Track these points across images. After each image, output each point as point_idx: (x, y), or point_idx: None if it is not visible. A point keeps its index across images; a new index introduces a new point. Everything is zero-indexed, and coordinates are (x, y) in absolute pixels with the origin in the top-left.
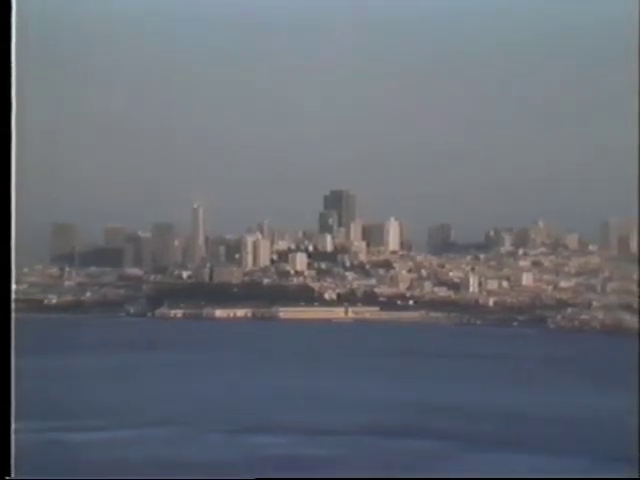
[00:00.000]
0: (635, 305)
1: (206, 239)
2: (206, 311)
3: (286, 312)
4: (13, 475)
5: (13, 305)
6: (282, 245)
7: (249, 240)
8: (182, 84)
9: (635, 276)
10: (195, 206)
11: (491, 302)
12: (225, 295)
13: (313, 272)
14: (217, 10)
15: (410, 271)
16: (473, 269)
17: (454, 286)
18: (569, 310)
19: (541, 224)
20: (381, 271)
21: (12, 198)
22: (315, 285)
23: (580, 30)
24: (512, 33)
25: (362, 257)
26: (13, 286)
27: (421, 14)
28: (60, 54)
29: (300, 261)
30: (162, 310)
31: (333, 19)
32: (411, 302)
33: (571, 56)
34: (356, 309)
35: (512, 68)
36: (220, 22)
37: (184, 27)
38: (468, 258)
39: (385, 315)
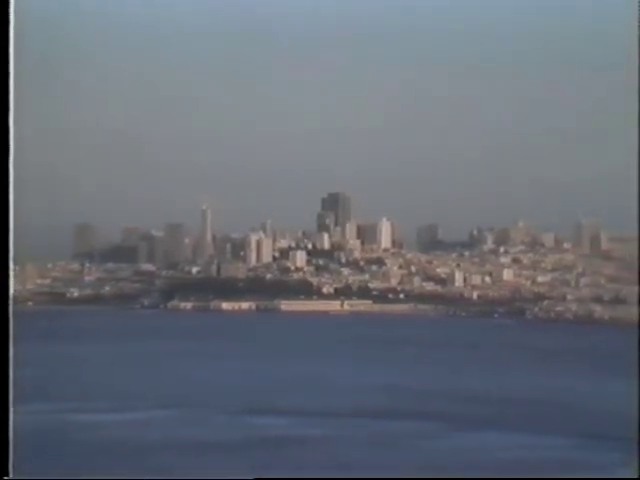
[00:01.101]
0: (605, 298)
1: (214, 238)
2: (214, 304)
3: (287, 305)
4: (11, 475)
5: (39, 298)
6: (283, 243)
7: (253, 239)
8: (180, 91)
9: (605, 271)
10: (204, 208)
11: (475, 295)
12: (231, 289)
13: (312, 268)
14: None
15: (401, 267)
16: (458, 265)
17: (441, 281)
18: (545, 302)
19: (520, 224)
20: (374, 267)
21: (10, 197)
22: (314, 280)
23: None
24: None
25: (357, 254)
26: (38, 280)
27: (424, 15)
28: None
29: (300, 258)
30: (173, 303)
31: (334, 22)
32: (402, 296)
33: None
34: (351, 302)
35: (504, 73)
36: (216, 27)
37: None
38: (454, 255)
39: (378, 308)
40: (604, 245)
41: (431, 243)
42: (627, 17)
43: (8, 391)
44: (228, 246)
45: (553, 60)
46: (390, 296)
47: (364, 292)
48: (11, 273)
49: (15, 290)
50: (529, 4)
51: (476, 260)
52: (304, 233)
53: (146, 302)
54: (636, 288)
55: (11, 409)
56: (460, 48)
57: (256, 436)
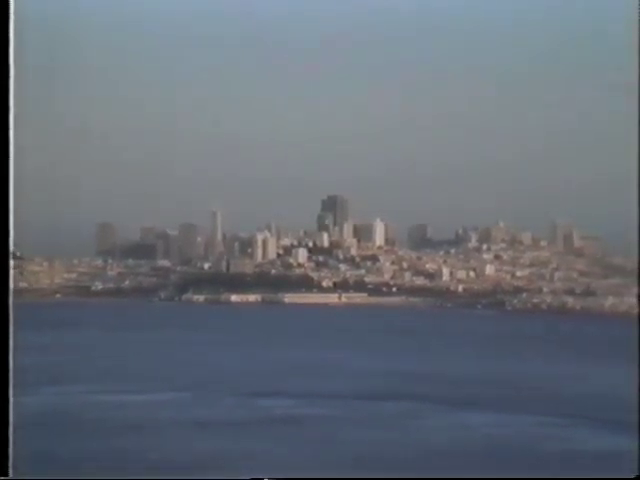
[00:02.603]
0: (577, 290)
1: (223, 236)
2: (224, 296)
3: (290, 297)
4: (11, 475)
5: (66, 290)
6: (286, 242)
7: (259, 237)
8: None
9: (577, 267)
10: (214, 210)
11: (460, 289)
12: (239, 283)
13: (312, 264)
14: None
15: (393, 263)
16: (445, 261)
17: (429, 276)
18: (524, 295)
19: (501, 224)
20: (369, 263)
21: (10, 194)
22: (314, 275)
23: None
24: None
25: (353, 252)
26: (65, 275)
27: (419, 17)
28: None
29: (301, 255)
30: (187, 295)
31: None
32: (394, 289)
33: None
34: (348, 295)
35: (498, 78)
36: (218, 32)
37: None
38: (441, 252)
39: (372, 300)
40: (576, 243)
41: (421, 241)
42: (627, 17)
43: (8, 393)
44: (236, 244)
45: (547, 63)
46: (384, 289)
47: (360, 286)
48: (11, 268)
49: (44, 284)
50: (528, 4)
51: (461, 257)
52: (305, 232)
53: (162, 295)
54: (604, 282)
55: (11, 409)
56: (455, 51)
57: (263, 415)
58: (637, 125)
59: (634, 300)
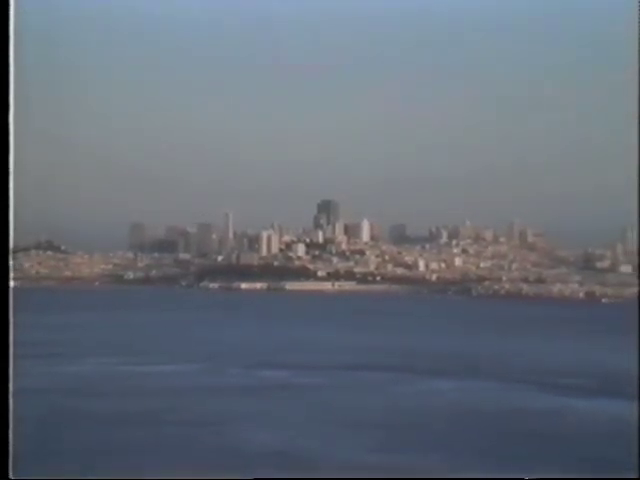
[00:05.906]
0: (530, 278)
1: (234, 234)
2: (234, 284)
3: (290, 285)
4: (11, 475)
5: (103, 279)
6: (287, 238)
7: (264, 234)
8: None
9: (530, 259)
10: (226, 211)
11: (433, 278)
12: (248, 273)
13: (309, 257)
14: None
15: (377, 257)
16: (421, 255)
17: (408, 267)
18: (486, 283)
19: (467, 223)
20: (357, 256)
21: (10, 190)
22: (311, 266)
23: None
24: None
25: (344, 247)
26: (102, 266)
27: (412, 20)
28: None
29: (300, 250)
30: (204, 283)
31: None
32: (378, 278)
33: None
34: (340, 283)
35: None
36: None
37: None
38: (418, 247)
39: (360, 287)
40: (530, 239)
41: (400, 238)
42: (627, 17)
43: (8, 394)
44: (245, 240)
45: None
46: (369, 279)
47: (349, 276)
48: (10, 264)
49: (85, 273)
50: (528, 5)
51: (434, 251)
52: (303, 230)
53: (183, 283)
54: (553, 271)
55: (11, 409)
56: (446, 54)
57: (264, 384)
58: (637, 125)
59: (576, 286)
